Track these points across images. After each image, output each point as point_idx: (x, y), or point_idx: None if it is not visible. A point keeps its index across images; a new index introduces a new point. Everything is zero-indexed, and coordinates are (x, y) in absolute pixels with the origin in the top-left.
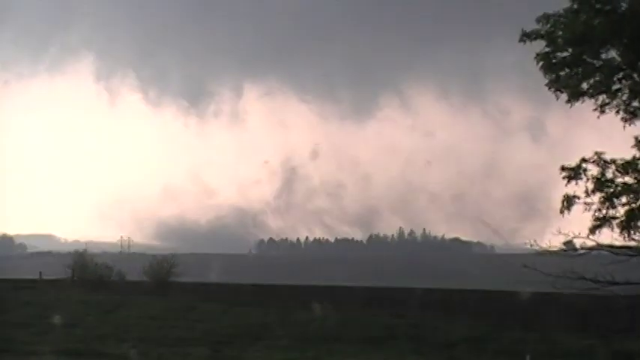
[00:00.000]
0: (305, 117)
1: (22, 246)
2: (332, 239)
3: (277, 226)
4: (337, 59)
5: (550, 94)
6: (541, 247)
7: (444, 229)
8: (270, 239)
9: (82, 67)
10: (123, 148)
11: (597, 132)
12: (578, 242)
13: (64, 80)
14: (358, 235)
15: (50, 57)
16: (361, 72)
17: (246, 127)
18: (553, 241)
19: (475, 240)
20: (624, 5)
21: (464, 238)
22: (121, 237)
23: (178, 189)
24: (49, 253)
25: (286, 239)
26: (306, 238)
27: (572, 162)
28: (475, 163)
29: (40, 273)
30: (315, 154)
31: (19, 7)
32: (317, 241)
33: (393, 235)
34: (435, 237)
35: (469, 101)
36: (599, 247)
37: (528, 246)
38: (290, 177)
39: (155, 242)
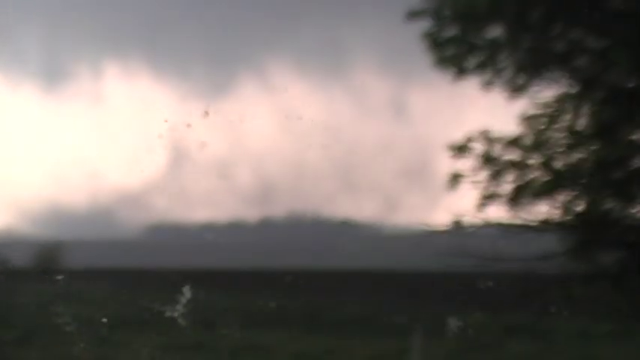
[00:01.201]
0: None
1: None
2: (221, 223)
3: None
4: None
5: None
6: (428, 226)
7: (331, 210)
8: (158, 223)
9: None
10: None
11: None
12: (466, 220)
13: None
14: (248, 217)
15: None
16: (218, 50)
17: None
18: (441, 219)
19: (365, 220)
20: None
21: (353, 219)
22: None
23: (49, 172)
24: None
25: (175, 223)
26: (195, 222)
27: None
28: (346, 141)
29: None
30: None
31: None
32: (206, 225)
33: (283, 218)
34: (326, 219)
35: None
36: (487, 224)
37: (417, 225)
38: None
39: (36, 229)
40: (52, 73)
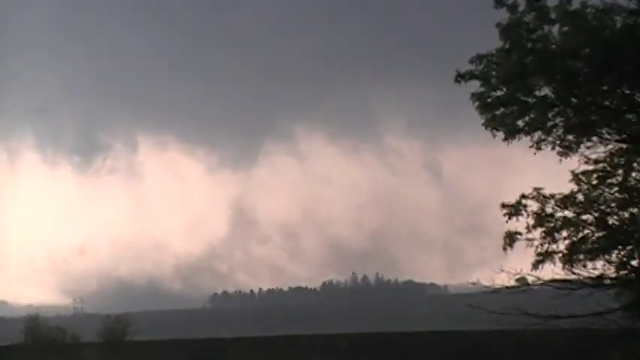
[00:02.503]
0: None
1: None
2: (285, 288)
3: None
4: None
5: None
6: (487, 286)
7: (395, 272)
8: (224, 292)
9: None
10: (40, 211)
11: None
12: (522, 278)
13: None
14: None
15: None
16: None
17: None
18: (498, 278)
19: (428, 281)
20: (554, 44)
21: (417, 280)
22: (74, 299)
23: (113, 247)
24: (1, 320)
25: (240, 291)
26: (260, 289)
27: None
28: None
29: None
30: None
31: None
32: (271, 291)
33: (346, 281)
34: (389, 280)
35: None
36: (543, 282)
37: (477, 285)
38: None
39: (106, 302)
40: (88, 149)
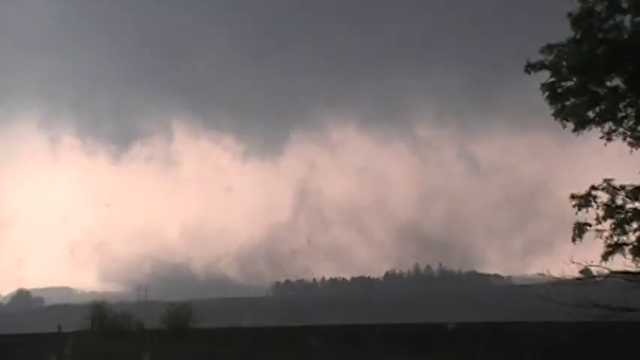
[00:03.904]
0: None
1: (40, 299)
2: (348, 278)
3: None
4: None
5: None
6: (554, 277)
7: (458, 262)
8: (287, 280)
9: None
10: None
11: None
12: (591, 270)
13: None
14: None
15: None
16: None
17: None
18: (566, 269)
19: (492, 272)
20: (626, 34)
21: (480, 270)
22: (138, 286)
23: (174, 237)
24: (66, 306)
25: (302, 280)
26: (322, 278)
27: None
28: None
29: (60, 326)
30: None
31: None
32: (333, 280)
33: (409, 271)
34: (452, 271)
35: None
36: (613, 274)
37: (543, 275)
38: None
39: (166, 290)
40: (125, 136)
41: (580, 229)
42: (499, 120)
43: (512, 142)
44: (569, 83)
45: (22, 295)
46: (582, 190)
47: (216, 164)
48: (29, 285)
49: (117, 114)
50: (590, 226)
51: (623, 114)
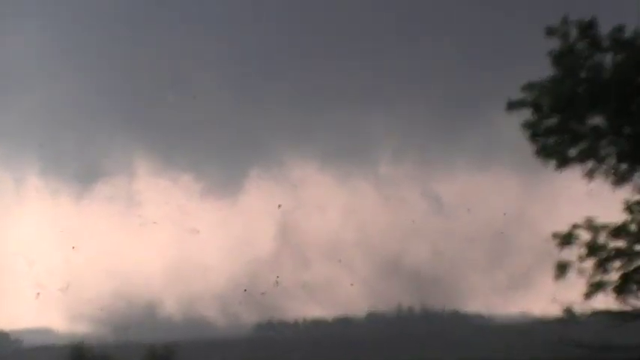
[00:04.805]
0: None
1: (18, 341)
2: (329, 318)
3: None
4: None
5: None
6: (536, 316)
7: (441, 302)
8: (268, 321)
9: None
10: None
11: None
12: (574, 308)
13: None
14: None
15: None
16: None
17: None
18: (549, 308)
19: (474, 311)
20: (607, 73)
21: (462, 309)
22: (115, 327)
23: (144, 276)
24: (46, 348)
25: (283, 320)
26: (304, 318)
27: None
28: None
29: None
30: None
31: None
32: (314, 320)
33: (391, 311)
34: (434, 311)
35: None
36: (595, 313)
37: (525, 314)
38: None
39: (143, 331)
40: (88, 175)
41: (562, 268)
42: (462, 156)
43: (475, 178)
44: (551, 121)
45: (1, 337)
46: (556, 225)
47: (177, 203)
48: (4, 327)
49: (80, 153)
50: (572, 264)
51: (605, 152)
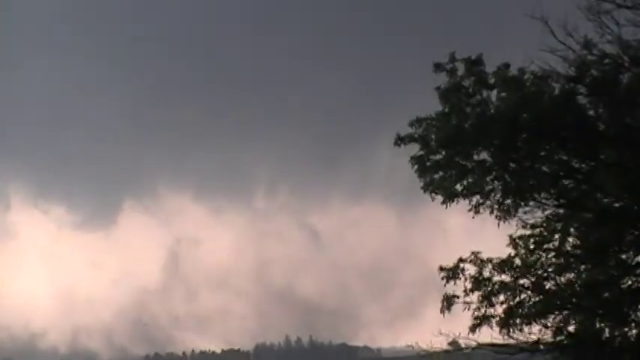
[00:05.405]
0: None
1: None
2: (218, 350)
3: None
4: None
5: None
6: (423, 349)
7: (329, 334)
8: (156, 354)
9: None
10: None
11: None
12: (459, 341)
13: None
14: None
15: None
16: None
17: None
18: (435, 341)
19: (362, 344)
20: (492, 109)
21: (350, 343)
22: None
23: (25, 308)
24: None
25: (172, 353)
26: (192, 350)
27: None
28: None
29: None
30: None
31: None
32: (203, 353)
33: (280, 344)
34: (322, 343)
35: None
36: (480, 346)
37: (412, 347)
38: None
39: None
40: None
41: (448, 300)
42: (338, 191)
43: (350, 213)
44: (438, 156)
45: None
46: (439, 259)
47: (50, 234)
48: None
49: None
50: (458, 297)
51: (491, 187)
